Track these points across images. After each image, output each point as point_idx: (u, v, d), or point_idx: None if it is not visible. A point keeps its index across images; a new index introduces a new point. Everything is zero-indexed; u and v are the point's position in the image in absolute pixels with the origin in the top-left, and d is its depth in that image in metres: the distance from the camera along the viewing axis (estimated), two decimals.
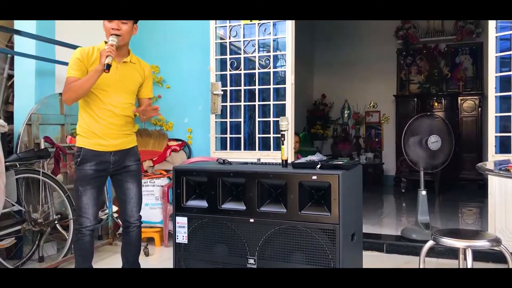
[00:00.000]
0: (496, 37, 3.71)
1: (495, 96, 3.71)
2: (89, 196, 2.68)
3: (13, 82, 4.10)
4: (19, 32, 3.59)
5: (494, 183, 3.64)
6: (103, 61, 2.54)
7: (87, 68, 2.63)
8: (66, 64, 4.23)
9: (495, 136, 3.70)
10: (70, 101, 2.65)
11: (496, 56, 3.72)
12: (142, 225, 2.97)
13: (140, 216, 2.93)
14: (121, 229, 4.26)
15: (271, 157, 4.15)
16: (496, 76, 3.72)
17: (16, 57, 4.02)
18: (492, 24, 3.73)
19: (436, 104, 7.80)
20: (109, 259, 3.77)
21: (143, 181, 4.27)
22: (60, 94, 4.13)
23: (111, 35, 2.61)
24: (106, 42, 2.66)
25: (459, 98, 7.67)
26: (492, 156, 3.67)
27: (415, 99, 7.94)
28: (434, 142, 4.07)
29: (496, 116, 3.71)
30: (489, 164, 2.63)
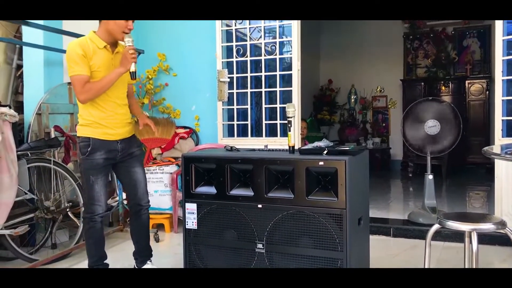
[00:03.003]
0: (503, 20, 3.69)
1: (502, 79, 3.71)
2: (100, 185, 2.76)
3: (22, 72, 4.14)
4: (27, 23, 3.62)
5: (501, 166, 3.65)
6: (128, 68, 2.62)
7: (89, 63, 2.64)
8: None
9: (502, 120, 3.69)
10: (88, 101, 2.68)
11: (503, 39, 3.70)
12: (151, 211, 3.04)
13: (149, 199, 3.03)
14: None
15: (278, 143, 4.18)
16: (503, 60, 3.70)
17: (24, 48, 4.06)
18: None
19: (443, 88, 7.77)
20: (121, 245, 3.85)
21: (152, 168, 4.34)
22: (69, 83, 4.17)
23: (126, 33, 2.66)
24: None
25: (467, 82, 7.62)
26: (499, 139, 3.67)
27: (422, 83, 7.91)
28: (431, 126, 4.08)
29: (503, 100, 3.70)
30: (496, 148, 2.64)
